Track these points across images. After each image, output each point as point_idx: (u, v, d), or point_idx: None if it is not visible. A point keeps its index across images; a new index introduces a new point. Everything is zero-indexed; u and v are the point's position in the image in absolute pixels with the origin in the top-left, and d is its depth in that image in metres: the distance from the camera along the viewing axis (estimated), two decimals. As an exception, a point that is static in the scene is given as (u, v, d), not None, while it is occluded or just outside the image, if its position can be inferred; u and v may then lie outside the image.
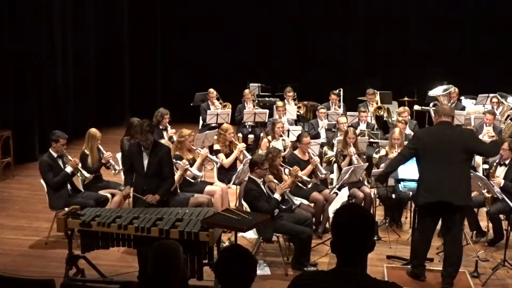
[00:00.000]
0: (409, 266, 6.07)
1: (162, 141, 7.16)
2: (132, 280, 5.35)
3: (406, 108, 9.55)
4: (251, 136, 10.69)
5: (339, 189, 7.06)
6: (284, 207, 6.49)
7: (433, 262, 6.38)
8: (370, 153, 8.29)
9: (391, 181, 7.15)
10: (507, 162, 7.05)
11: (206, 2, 13.84)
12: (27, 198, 8.48)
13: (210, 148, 8.41)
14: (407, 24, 13.70)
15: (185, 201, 6.80)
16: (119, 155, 7.91)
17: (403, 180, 6.90)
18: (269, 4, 14.02)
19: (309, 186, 7.21)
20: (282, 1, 14.05)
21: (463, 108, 10.75)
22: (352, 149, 7.63)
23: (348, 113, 10.32)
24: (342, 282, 2.52)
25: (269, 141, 8.43)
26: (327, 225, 7.19)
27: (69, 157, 6.95)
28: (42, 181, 6.91)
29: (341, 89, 11.28)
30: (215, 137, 8.39)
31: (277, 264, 6.38)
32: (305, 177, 7.14)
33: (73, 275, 5.63)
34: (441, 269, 5.86)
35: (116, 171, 7.38)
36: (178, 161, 7.08)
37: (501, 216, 7.00)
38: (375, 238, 6.74)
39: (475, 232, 7.15)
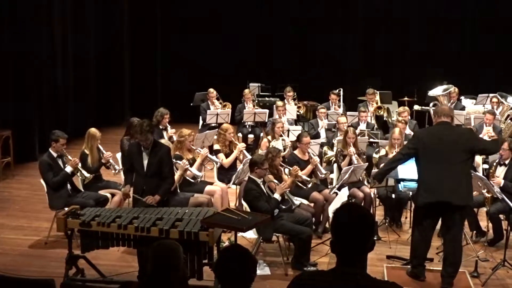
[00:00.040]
0: (409, 266, 6.06)
1: (162, 141, 7.15)
2: (132, 280, 5.36)
3: (406, 108, 9.55)
4: (251, 136, 10.69)
5: (339, 189, 7.06)
6: (284, 207, 6.49)
7: (433, 262, 6.37)
8: (370, 153, 8.29)
9: (391, 181, 7.16)
10: (507, 162, 7.05)
11: (206, 2, 13.84)
12: (27, 198, 8.48)
13: (210, 148, 8.40)
14: (407, 24, 13.70)
15: (185, 201, 6.80)
16: (119, 155, 7.92)
17: (403, 180, 6.90)
18: (269, 4, 14.02)
19: (309, 186, 7.21)
20: (282, 1, 14.05)
21: (463, 108, 10.74)
22: (352, 149, 7.63)
23: (348, 113, 10.32)
24: (342, 282, 2.52)
25: (269, 141, 8.43)
26: (327, 225, 7.19)
27: (69, 157, 6.95)
28: (42, 181, 6.91)
29: (341, 89, 11.28)
30: (215, 137, 8.39)
31: (277, 264, 6.38)
32: (305, 177, 7.14)
33: (73, 275, 5.63)
34: (441, 269, 5.86)
35: (116, 171, 7.38)
36: (178, 161, 7.08)
37: (501, 216, 7.00)
38: (375, 238, 6.74)
39: (475, 232, 7.15)
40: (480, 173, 7.80)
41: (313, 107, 11.69)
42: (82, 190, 7.16)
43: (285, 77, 12.79)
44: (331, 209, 6.69)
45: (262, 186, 6.42)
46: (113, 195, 7.17)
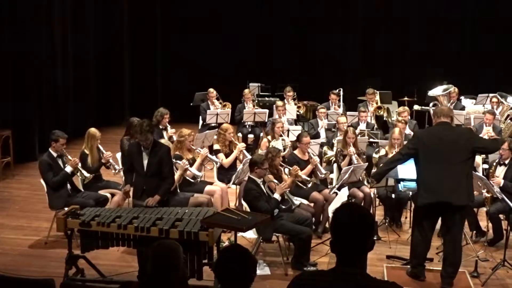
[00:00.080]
0: (409, 266, 6.06)
1: (162, 141, 7.16)
2: (132, 280, 5.35)
3: (406, 108, 9.55)
4: (251, 136, 10.69)
5: (339, 189, 7.06)
6: (284, 207, 6.49)
7: (433, 262, 6.37)
8: (370, 153, 8.29)
9: (391, 181, 7.15)
10: (506, 162, 7.05)
11: (206, 2, 13.84)
12: (27, 198, 8.48)
13: (210, 148, 8.40)
14: (407, 24, 13.70)
15: (185, 201, 6.80)
16: (119, 155, 7.92)
17: (403, 180, 6.90)
18: (269, 4, 14.02)
19: (309, 186, 7.20)
20: (282, 1, 14.05)
21: (463, 108, 10.74)
22: (351, 149, 7.63)
23: (348, 113, 10.32)
24: (342, 282, 2.52)
25: (269, 141, 8.43)
26: (327, 225, 7.19)
27: (69, 157, 6.95)
28: (42, 181, 6.91)
29: (341, 89, 11.28)
30: (215, 137, 8.39)
31: (277, 264, 6.38)
32: (305, 177, 7.14)
33: (73, 275, 5.63)
34: (440, 269, 5.86)
35: (116, 171, 7.38)
36: (178, 161, 7.08)
37: (501, 216, 7.00)
38: (375, 238, 6.75)
39: (474, 232, 7.15)
40: (480, 173, 7.80)
41: (313, 107, 11.69)
42: (82, 190, 7.16)
43: (285, 77, 12.78)
44: (331, 209, 6.68)
45: (262, 186, 6.42)
46: (113, 195, 7.17)
